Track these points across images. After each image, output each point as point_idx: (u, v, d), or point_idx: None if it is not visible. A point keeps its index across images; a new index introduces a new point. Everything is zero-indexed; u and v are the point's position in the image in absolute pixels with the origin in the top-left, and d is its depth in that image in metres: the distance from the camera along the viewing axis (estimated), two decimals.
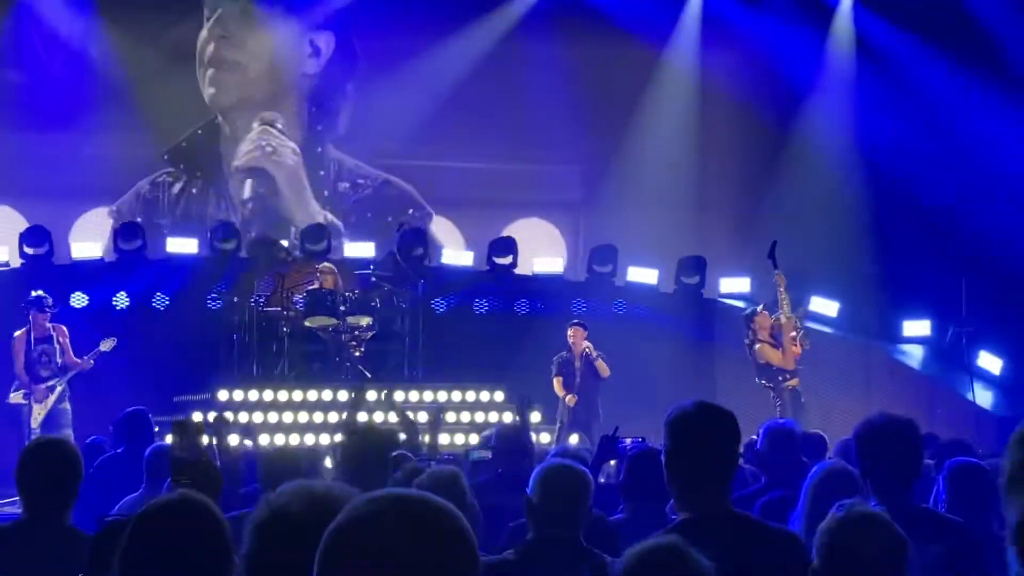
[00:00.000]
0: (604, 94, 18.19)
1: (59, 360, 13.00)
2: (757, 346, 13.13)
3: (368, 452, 5.18)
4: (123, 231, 15.92)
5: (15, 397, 12.94)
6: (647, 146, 18.19)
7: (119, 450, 8.25)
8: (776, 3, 17.54)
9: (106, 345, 13.32)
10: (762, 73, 17.82)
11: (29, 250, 15.11)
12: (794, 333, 13.10)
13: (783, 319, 13.11)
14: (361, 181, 18.79)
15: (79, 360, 13.11)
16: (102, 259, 15.92)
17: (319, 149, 18.77)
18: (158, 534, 2.94)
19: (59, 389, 12.99)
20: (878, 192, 16.97)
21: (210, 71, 18.19)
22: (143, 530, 2.97)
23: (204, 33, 18.19)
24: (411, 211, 18.41)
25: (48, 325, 13.06)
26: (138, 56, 17.50)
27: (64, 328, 13.23)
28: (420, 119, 17.80)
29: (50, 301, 13.15)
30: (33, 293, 13.28)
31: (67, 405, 12.99)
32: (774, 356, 13.08)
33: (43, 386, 12.90)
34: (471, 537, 1.86)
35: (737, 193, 18.21)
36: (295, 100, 18.77)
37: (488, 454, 7.38)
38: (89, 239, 16.57)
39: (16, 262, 15.42)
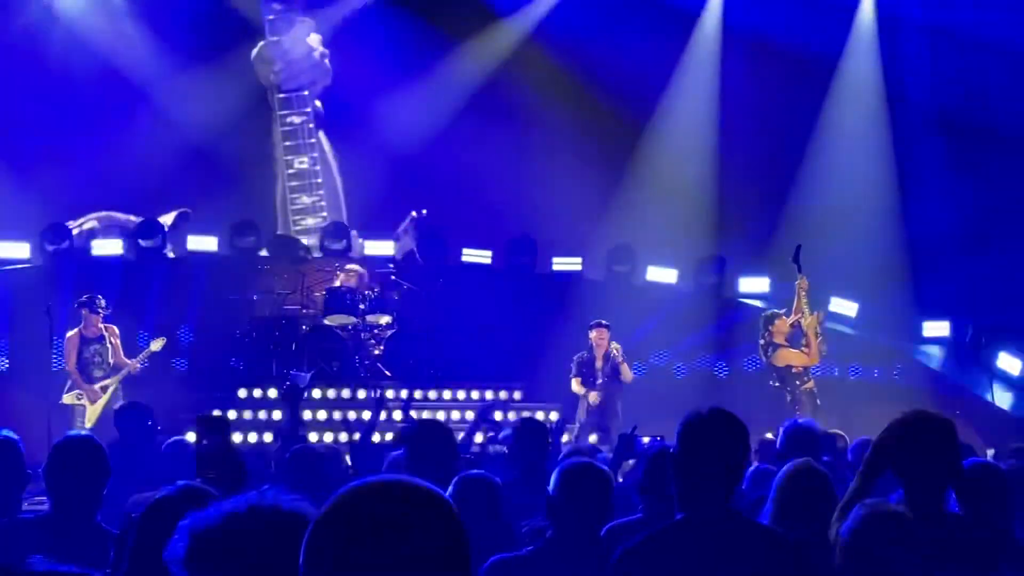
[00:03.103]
0: (624, 94, 18.17)
1: (110, 360, 12.92)
2: (778, 351, 12.97)
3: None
4: (142, 228, 15.96)
5: (68, 398, 12.82)
6: (667, 144, 18.16)
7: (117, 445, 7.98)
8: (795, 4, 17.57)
9: (156, 345, 13.24)
10: (782, 72, 17.79)
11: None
12: (817, 329, 13.01)
13: (803, 321, 13.00)
14: None
15: (129, 361, 12.99)
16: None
17: None
18: (166, 527, 2.97)
19: (112, 388, 12.85)
20: (899, 191, 17.00)
21: None
22: (150, 523, 2.99)
23: None
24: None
25: (100, 325, 12.94)
26: None
27: (115, 328, 13.10)
28: (434, 122, 17.82)
29: (103, 301, 13.00)
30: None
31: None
32: (797, 358, 12.91)
33: (96, 386, 12.82)
34: (451, 511, 1.88)
35: (757, 193, 18.15)
36: None
37: (505, 450, 7.41)
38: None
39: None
